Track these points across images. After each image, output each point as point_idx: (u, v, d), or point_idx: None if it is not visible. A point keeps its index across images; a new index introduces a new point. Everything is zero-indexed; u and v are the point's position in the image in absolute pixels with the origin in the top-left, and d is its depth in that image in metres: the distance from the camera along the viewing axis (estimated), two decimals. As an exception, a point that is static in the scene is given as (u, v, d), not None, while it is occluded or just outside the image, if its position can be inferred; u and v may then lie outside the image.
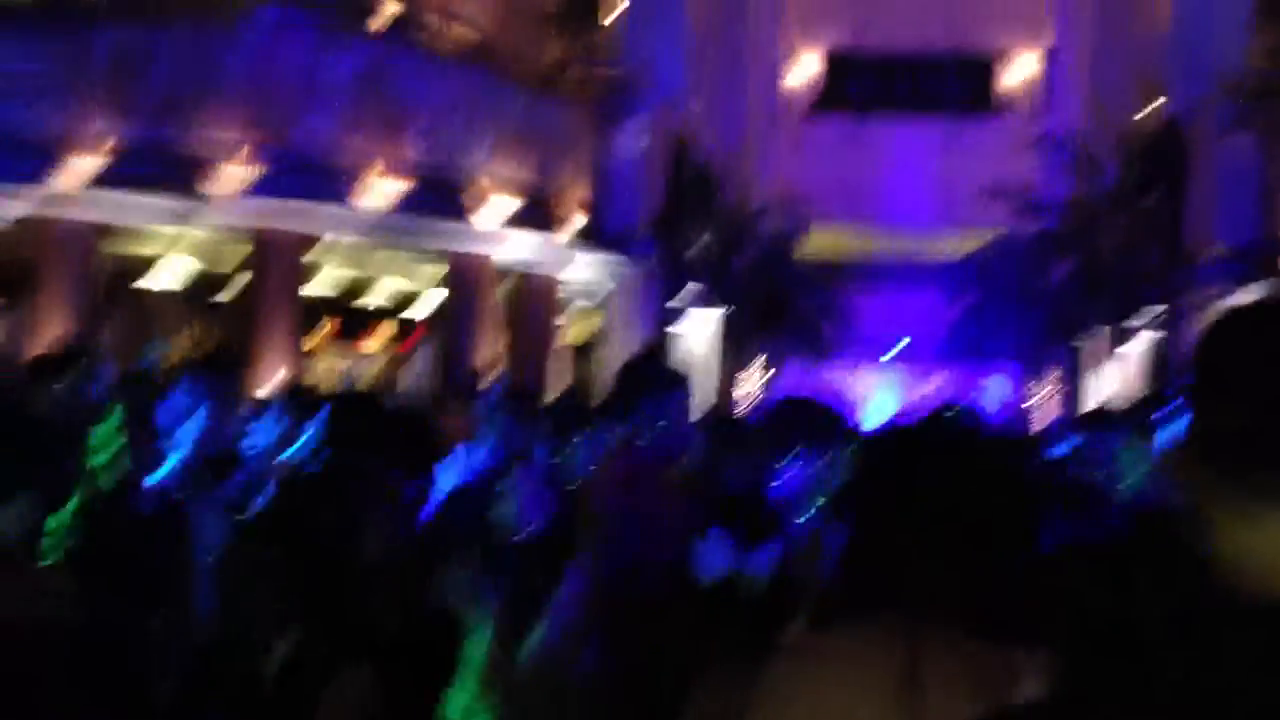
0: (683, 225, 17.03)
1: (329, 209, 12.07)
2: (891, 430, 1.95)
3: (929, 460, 1.60)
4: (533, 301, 15.80)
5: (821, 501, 3.25)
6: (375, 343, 20.11)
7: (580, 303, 17.88)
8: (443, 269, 14.42)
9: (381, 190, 12.08)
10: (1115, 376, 17.93)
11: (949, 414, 4.21)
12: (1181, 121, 16.71)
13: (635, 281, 16.28)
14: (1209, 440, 0.98)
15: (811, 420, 3.48)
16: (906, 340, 24.45)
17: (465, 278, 14.00)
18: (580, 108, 14.97)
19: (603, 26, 17.79)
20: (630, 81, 15.93)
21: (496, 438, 4.97)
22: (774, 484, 3.48)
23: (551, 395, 15.79)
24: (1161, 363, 16.74)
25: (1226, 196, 15.49)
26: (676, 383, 4.04)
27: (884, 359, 25.02)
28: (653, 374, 4.16)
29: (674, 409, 4.01)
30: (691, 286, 17.40)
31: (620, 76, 16.15)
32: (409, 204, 12.39)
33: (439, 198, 12.64)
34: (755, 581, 3.17)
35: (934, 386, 24.95)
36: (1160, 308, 16.42)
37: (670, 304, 17.53)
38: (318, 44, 11.89)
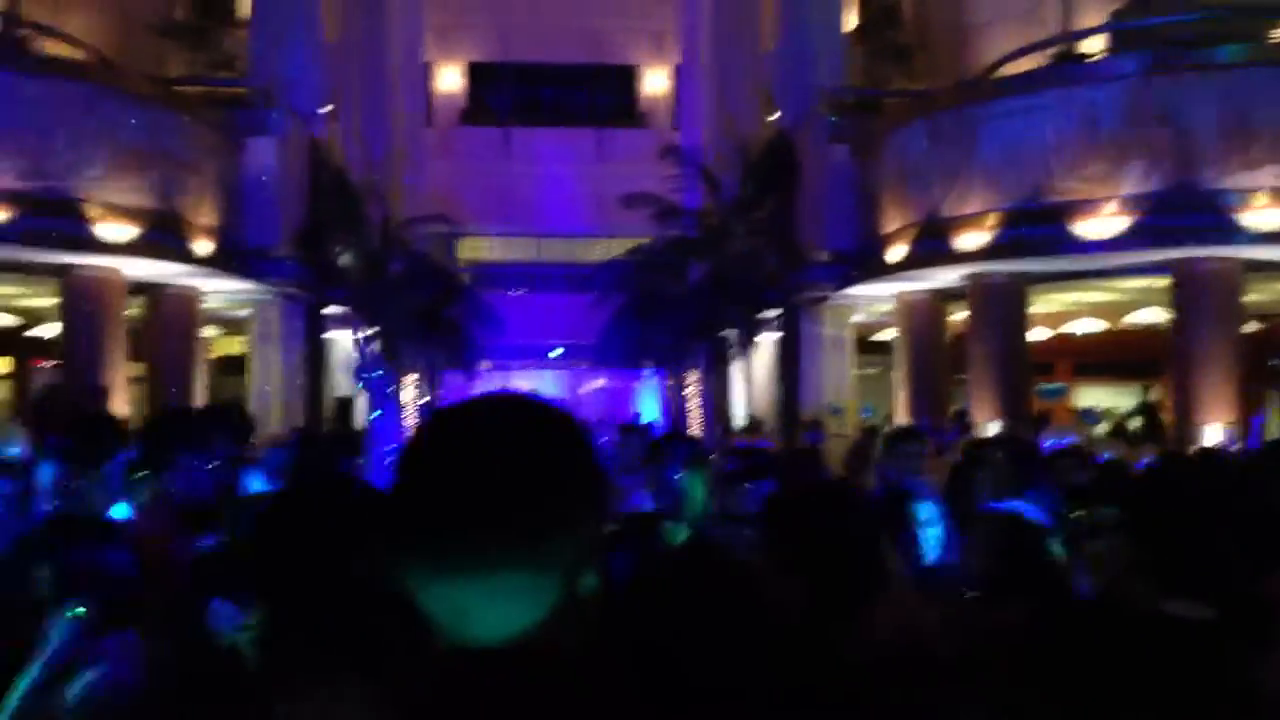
0: (327, 240, 16.98)
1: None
2: None
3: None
4: (169, 319, 15.39)
5: None
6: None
7: (230, 315, 17.49)
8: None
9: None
10: (747, 373, 19.28)
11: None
12: (790, 134, 18.03)
13: (278, 298, 16.12)
14: None
15: None
16: (561, 349, 25.16)
17: (85, 296, 13.48)
18: (208, 124, 14.69)
19: (230, 39, 17.44)
20: (262, 95, 15.75)
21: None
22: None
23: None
24: (783, 358, 18.10)
25: (831, 204, 16.83)
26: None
27: (550, 358, 25.69)
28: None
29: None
30: (339, 301, 17.37)
31: (251, 91, 15.94)
32: (16, 225, 11.88)
33: (49, 218, 12.17)
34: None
35: (593, 387, 25.91)
36: (779, 310, 17.74)
37: (324, 314, 17.45)
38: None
